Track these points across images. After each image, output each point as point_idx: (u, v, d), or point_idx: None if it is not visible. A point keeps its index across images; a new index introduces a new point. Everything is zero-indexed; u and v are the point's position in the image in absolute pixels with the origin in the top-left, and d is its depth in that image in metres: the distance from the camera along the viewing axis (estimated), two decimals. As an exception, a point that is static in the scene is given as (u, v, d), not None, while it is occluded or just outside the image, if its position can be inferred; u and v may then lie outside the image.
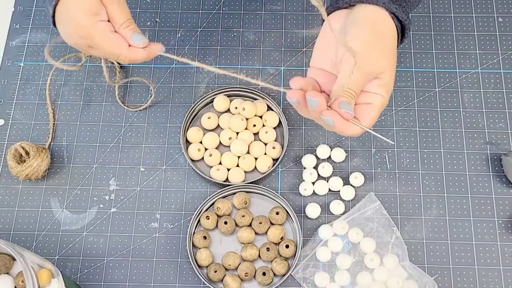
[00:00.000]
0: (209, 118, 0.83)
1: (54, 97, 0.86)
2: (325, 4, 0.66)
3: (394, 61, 0.64)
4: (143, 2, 0.92)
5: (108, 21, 0.64)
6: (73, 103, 0.86)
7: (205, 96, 0.84)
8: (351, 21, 0.62)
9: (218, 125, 0.84)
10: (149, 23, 0.90)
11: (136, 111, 0.85)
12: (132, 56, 0.65)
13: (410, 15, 0.67)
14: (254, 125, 0.82)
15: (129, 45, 0.65)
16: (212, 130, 0.83)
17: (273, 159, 0.81)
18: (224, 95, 0.84)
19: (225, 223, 0.77)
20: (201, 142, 0.82)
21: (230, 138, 0.82)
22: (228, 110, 0.84)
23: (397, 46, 0.66)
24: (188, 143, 0.83)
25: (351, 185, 0.80)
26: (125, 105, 0.85)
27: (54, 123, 0.84)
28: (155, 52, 0.66)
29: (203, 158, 0.82)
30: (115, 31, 0.64)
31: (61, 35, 0.67)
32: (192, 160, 0.81)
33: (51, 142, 0.83)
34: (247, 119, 0.83)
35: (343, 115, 0.60)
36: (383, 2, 0.62)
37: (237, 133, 0.83)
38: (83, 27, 0.63)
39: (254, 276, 0.76)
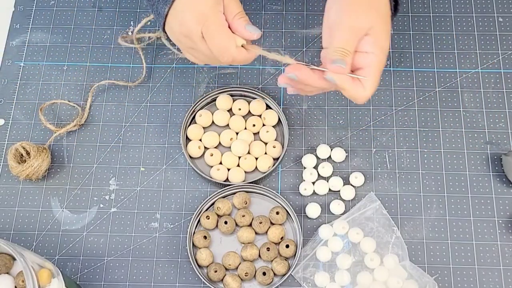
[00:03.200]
0: (200, 116, 0.83)
1: (55, 97, 0.86)
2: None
3: (385, 18, 0.65)
4: (143, 2, 0.92)
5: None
6: (54, 101, 0.85)
7: (205, 96, 0.84)
8: None
9: (213, 122, 0.84)
10: (149, 23, 0.90)
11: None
12: (238, 57, 0.66)
13: None
14: (254, 125, 0.82)
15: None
16: (207, 127, 0.83)
17: (274, 159, 0.81)
18: (227, 94, 0.84)
19: (225, 223, 0.77)
20: (201, 140, 0.82)
21: (231, 139, 0.82)
22: (230, 110, 0.84)
23: (393, 14, 0.68)
24: (188, 140, 0.83)
25: (351, 185, 0.80)
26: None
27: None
28: (256, 53, 0.67)
29: (202, 156, 0.82)
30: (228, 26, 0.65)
31: (169, 29, 0.67)
32: (192, 158, 0.81)
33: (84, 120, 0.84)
34: (244, 117, 0.83)
35: (337, 70, 0.63)
36: None
37: (237, 133, 0.83)
38: (204, 15, 0.63)
39: (254, 276, 0.76)
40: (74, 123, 0.83)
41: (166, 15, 0.66)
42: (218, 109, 0.84)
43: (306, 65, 0.65)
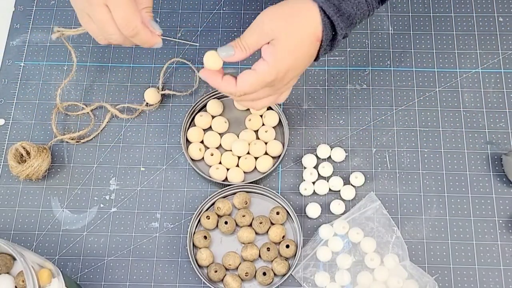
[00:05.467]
0: (201, 116, 0.83)
1: (55, 96, 0.86)
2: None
3: (295, 38, 0.64)
4: None
5: None
6: (73, 103, 0.86)
7: (205, 96, 0.84)
8: None
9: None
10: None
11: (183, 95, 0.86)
12: (142, 31, 0.65)
13: (350, 24, 0.66)
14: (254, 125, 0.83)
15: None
16: (207, 128, 0.83)
17: (274, 157, 0.81)
18: (216, 98, 0.84)
19: (226, 223, 0.77)
20: (201, 142, 0.82)
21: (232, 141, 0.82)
22: (222, 114, 0.84)
23: (323, 44, 0.66)
24: (188, 142, 0.83)
25: (351, 184, 0.80)
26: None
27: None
28: (157, 44, 0.67)
29: (203, 158, 0.82)
30: None
31: None
32: (193, 160, 0.81)
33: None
34: (247, 110, 0.84)
35: (220, 54, 0.64)
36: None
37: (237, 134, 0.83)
38: None
39: (255, 276, 0.76)
40: (80, 133, 0.82)
41: None
42: (210, 113, 0.84)
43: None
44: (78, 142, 0.83)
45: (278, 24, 0.63)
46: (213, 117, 0.84)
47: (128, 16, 0.64)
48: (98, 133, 0.84)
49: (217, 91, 0.84)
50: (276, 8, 0.65)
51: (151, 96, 0.84)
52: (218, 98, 0.84)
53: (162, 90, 0.85)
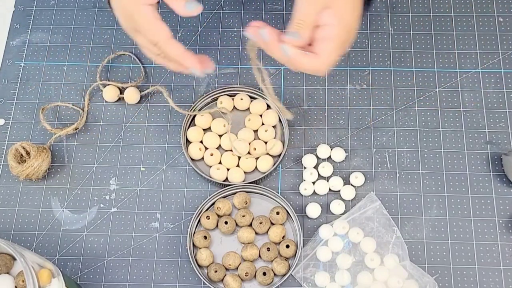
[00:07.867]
0: (202, 116, 0.83)
1: (55, 97, 0.86)
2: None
3: None
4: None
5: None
6: (72, 104, 0.86)
7: (205, 96, 0.84)
8: None
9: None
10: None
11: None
12: (168, 48, 0.65)
13: None
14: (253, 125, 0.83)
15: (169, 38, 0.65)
16: (207, 129, 0.83)
17: (274, 156, 0.81)
18: (226, 95, 0.84)
19: (226, 223, 0.77)
20: (201, 142, 0.82)
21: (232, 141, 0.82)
22: (233, 109, 0.84)
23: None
24: (188, 142, 0.83)
25: (351, 185, 0.80)
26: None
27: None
28: (189, 66, 0.67)
29: (203, 158, 0.82)
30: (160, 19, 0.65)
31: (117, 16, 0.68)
32: (193, 160, 0.81)
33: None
34: (247, 109, 0.84)
35: (289, 41, 0.62)
36: None
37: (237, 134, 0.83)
38: (127, 10, 0.65)
39: (255, 276, 0.76)
40: (74, 126, 0.82)
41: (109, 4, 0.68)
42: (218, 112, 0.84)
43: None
44: (75, 130, 0.83)
45: None
46: (204, 130, 0.83)
47: (150, 38, 0.65)
48: (93, 125, 0.84)
49: (217, 90, 0.84)
50: None
51: (131, 95, 0.84)
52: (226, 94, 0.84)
53: (143, 91, 0.85)
